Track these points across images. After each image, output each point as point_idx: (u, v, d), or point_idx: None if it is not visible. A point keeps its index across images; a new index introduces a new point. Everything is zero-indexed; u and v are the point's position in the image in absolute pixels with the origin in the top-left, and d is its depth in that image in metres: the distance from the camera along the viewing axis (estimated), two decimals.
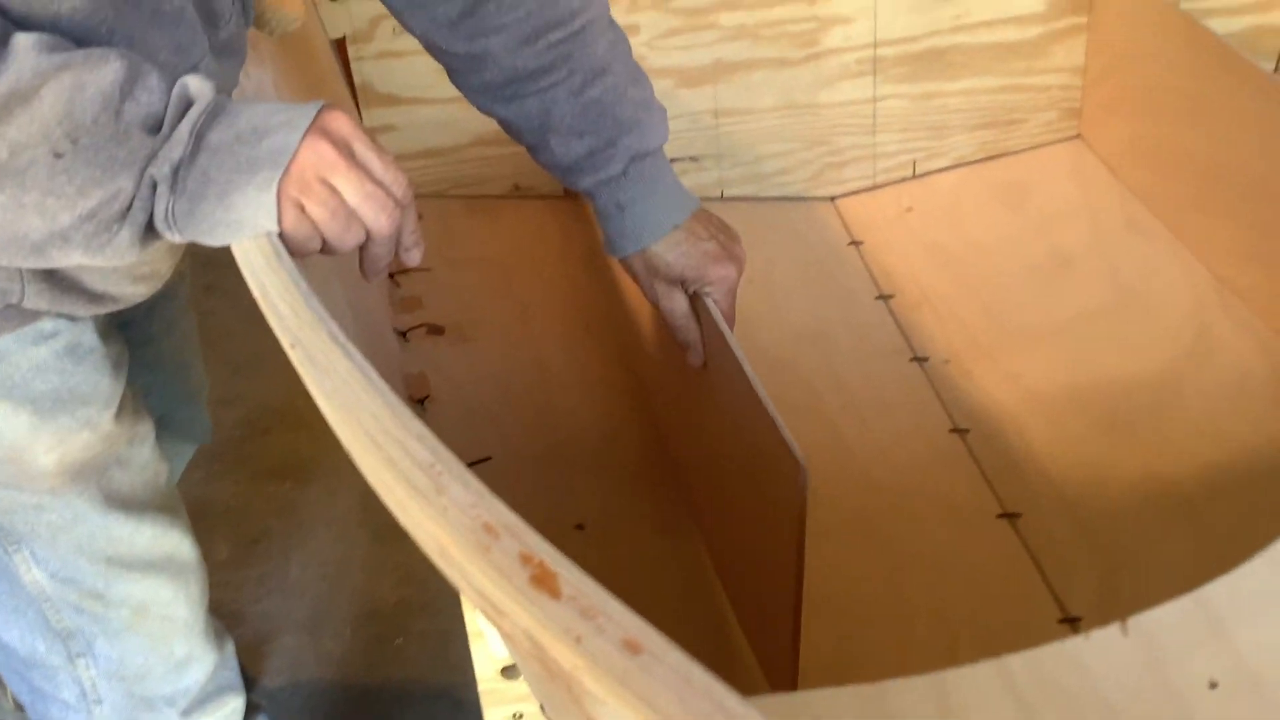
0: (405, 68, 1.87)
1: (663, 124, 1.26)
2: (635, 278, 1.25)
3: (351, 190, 0.81)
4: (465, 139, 1.94)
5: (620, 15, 1.84)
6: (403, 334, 1.64)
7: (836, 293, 1.78)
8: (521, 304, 1.71)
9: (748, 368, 1.06)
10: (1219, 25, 1.80)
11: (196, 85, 0.80)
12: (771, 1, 1.88)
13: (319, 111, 0.82)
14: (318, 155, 0.80)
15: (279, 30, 1.26)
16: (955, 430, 1.50)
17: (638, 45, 1.88)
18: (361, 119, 1.88)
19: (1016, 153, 2.00)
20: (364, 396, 0.66)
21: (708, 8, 1.88)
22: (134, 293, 1.08)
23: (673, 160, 1.95)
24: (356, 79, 1.86)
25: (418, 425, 0.63)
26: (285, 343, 0.72)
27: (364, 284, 1.53)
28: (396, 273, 1.75)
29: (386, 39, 1.84)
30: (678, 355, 1.25)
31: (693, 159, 1.99)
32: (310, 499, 2.23)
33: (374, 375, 0.67)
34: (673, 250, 1.20)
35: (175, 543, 1.23)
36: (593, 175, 1.22)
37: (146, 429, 1.19)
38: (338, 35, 1.83)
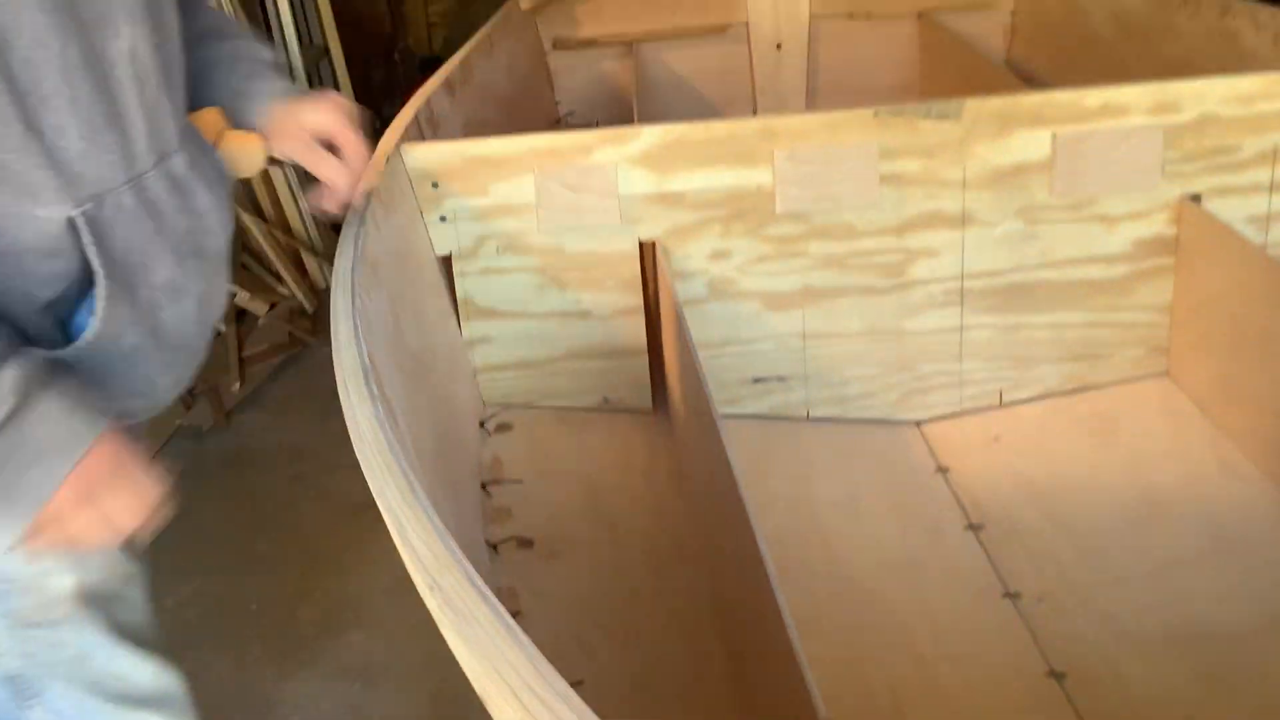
0: (505, 284, 1.94)
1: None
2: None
3: (91, 531, 0.96)
4: (557, 352, 1.99)
5: (714, 241, 1.93)
6: (493, 546, 1.65)
7: (925, 521, 1.77)
8: (610, 521, 1.72)
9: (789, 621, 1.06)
10: None
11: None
12: (860, 233, 1.94)
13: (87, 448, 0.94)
14: (67, 503, 0.94)
15: (246, 172, 1.34)
16: (1052, 674, 1.46)
17: (729, 269, 1.96)
18: (462, 331, 1.94)
19: (1103, 387, 2.01)
20: (507, 649, 0.67)
21: (798, 236, 1.94)
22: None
23: (760, 380, 2.02)
24: (459, 293, 1.93)
25: (562, 684, 0.64)
26: (422, 585, 0.73)
27: (460, 494, 1.55)
28: (489, 483, 1.78)
29: (490, 257, 1.92)
30: (758, 590, 1.24)
31: (780, 379, 2.02)
32: (378, 700, 2.20)
33: (517, 628, 0.68)
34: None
35: (172, 681, 1.31)
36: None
37: (136, 571, 1.28)
38: (444, 253, 1.91)
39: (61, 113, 0.97)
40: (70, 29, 0.96)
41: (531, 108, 3.09)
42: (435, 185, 1.88)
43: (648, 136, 1.88)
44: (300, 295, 3.75)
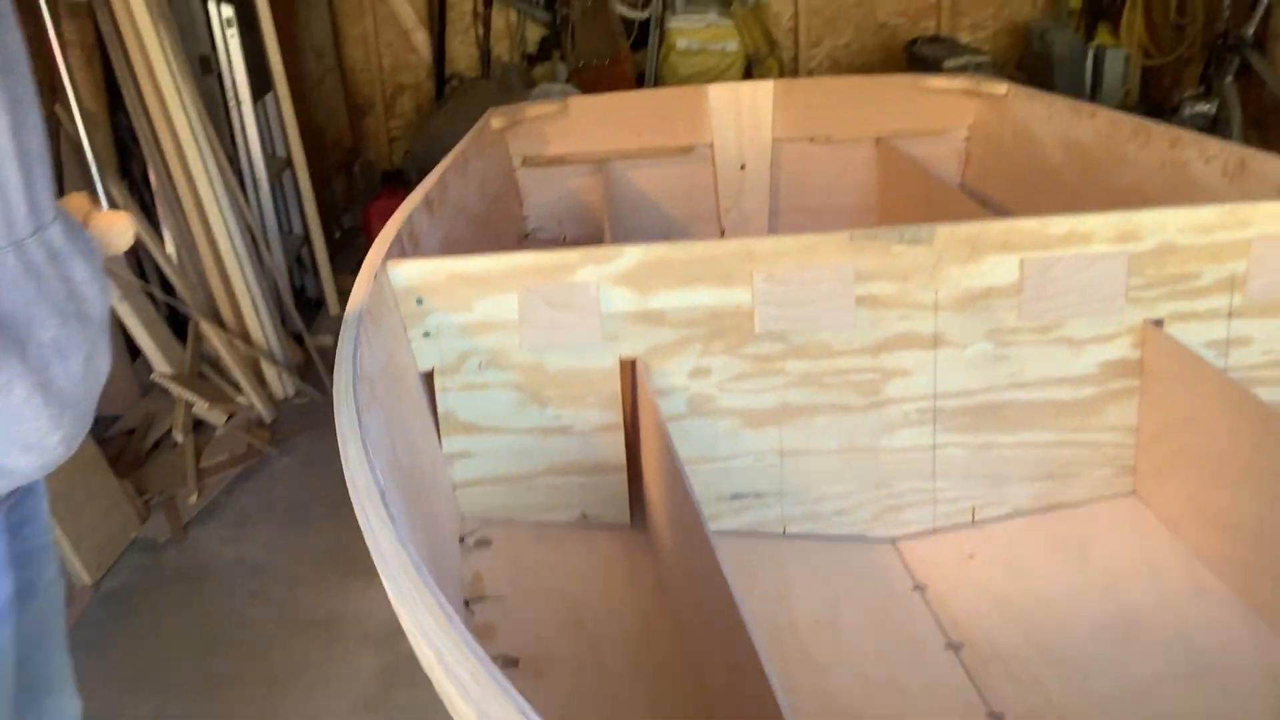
0: (486, 399, 1.95)
1: None
2: None
3: None
4: (537, 467, 1.99)
5: (694, 359, 1.96)
6: None
7: (904, 640, 1.78)
8: (593, 639, 1.70)
9: None
10: (1267, 394, 1.90)
11: None
12: (836, 352, 1.98)
13: None
14: None
15: (116, 249, 1.38)
16: None
17: (708, 387, 1.98)
18: (442, 446, 1.94)
19: (1073, 505, 2.05)
20: None
21: (776, 355, 1.98)
22: None
23: (738, 496, 2.03)
24: (440, 408, 1.93)
25: None
26: (469, 715, 0.72)
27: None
28: (471, 600, 1.76)
29: (472, 372, 1.93)
30: (761, 707, 1.24)
31: (757, 495, 2.04)
32: None
33: None
34: None
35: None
36: None
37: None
38: (427, 368, 1.92)
39: None
40: None
41: (502, 223, 3.13)
42: (420, 301, 1.90)
43: (630, 256, 1.91)
44: (259, 405, 3.72)
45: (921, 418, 2.02)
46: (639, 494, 2.01)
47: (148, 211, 3.92)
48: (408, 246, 2.11)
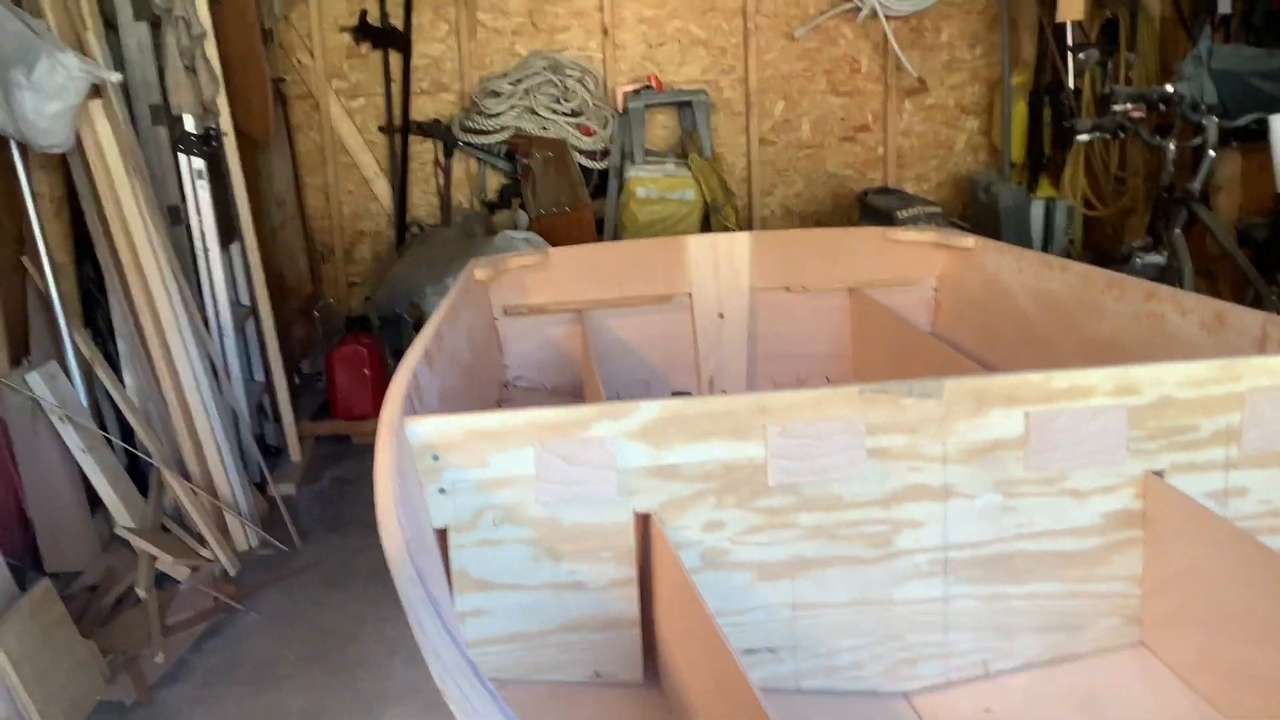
0: (501, 555, 1.93)
1: None
2: None
3: None
4: (549, 625, 1.96)
5: (708, 512, 1.96)
6: None
7: None
8: None
9: None
10: (1266, 544, 1.94)
11: None
12: (848, 504, 1.99)
13: None
14: None
15: None
16: None
17: (722, 540, 1.98)
18: (455, 603, 1.90)
19: (1083, 657, 2.05)
20: None
21: (789, 507, 1.98)
22: None
23: (751, 651, 2.01)
24: (454, 565, 1.90)
25: None
26: None
27: None
28: None
29: (486, 529, 1.91)
30: None
31: (770, 650, 2.02)
32: None
33: None
34: None
35: None
36: None
37: None
38: (441, 525, 1.90)
39: None
40: None
41: (485, 373, 3.14)
42: (435, 458, 1.89)
43: (646, 411, 1.93)
44: (223, 559, 3.62)
45: (933, 569, 2.03)
46: (651, 650, 1.99)
47: (112, 361, 3.87)
48: (415, 403, 2.11)
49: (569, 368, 3.32)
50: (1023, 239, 5.02)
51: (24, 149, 3.49)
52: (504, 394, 3.27)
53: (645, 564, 1.97)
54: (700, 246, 3.48)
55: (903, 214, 4.87)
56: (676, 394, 3.29)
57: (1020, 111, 5.72)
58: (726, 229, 5.38)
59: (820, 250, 3.53)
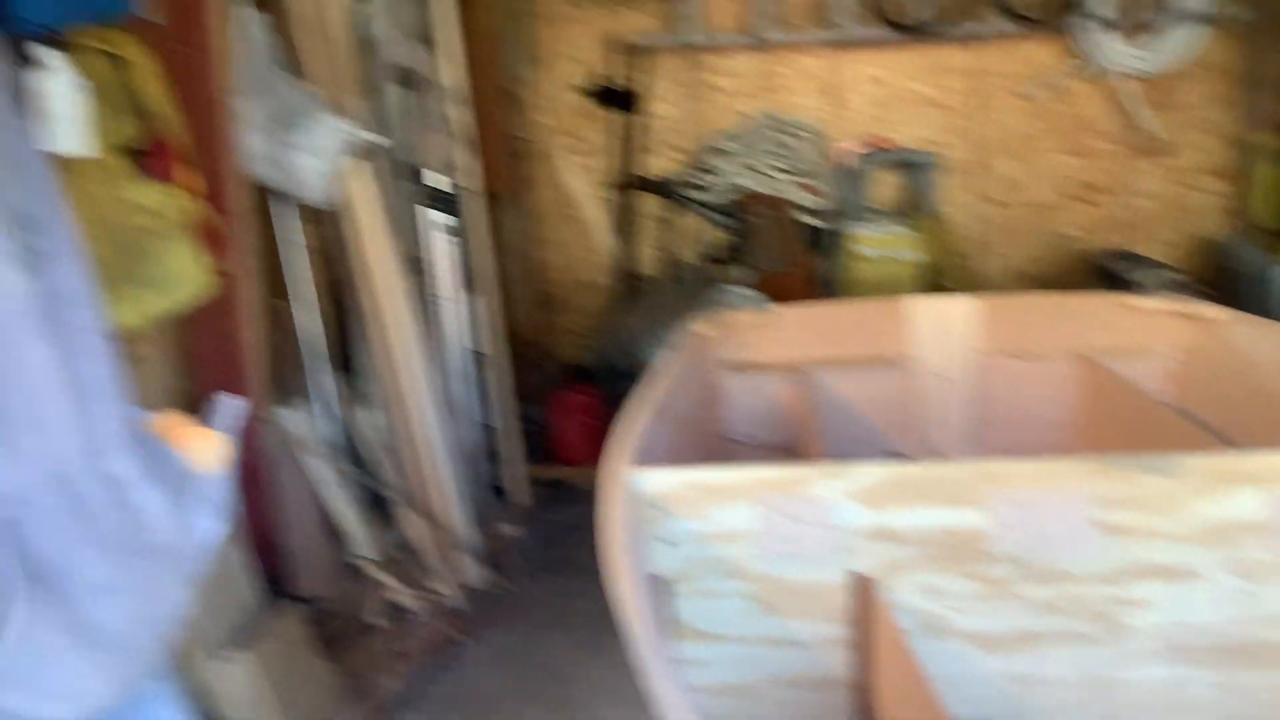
0: (719, 607, 1.97)
1: None
2: None
3: None
4: (764, 678, 1.99)
5: (926, 577, 1.94)
6: None
7: None
8: None
9: None
10: None
11: None
12: (1074, 579, 1.95)
13: None
14: None
15: (208, 468, 1.31)
16: None
17: (940, 607, 1.96)
18: (673, 651, 1.96)
19: None
20: None
21: (1011, 578, 1.95)
22: None
23: None
24: (673, 613, 1.96)
25: None
26: None
27: None
28: None
29: (707, 580, 1.96)
30: None
31: None
32: None
33: None
34: None
35: None
36: None
37: None
38: (661, 573, 1.96)
39: None
40: None
41: (705, 427, 3.20)
42: (658, 508, 1.96)
43: (867, 473, 1.94)
44: (452, 593, 3.80)
45: (1164, 652, 1.95)
46: (865, 711, 1.99)
47: (357, 400, 4.13)
48: (639, 453, 2.18)
49: (788, 424, 3.34)
50: (1270, 309, 4.75)
51: (291, 202, 3.81)
52: (723, 448, 3.33)
53: (861, 625, 1.98)
54: (923, 308, 3.46)
55: (1144, 280, 4.69)
56: (895, 456, 3.27)
57: (1270, 174, 5.43)
58: (951, 290, 5.31)
59: (1049, 315, 3.45)
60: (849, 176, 5.69)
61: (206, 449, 1.34)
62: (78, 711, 1.11)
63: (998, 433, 3.35)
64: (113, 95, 2.54)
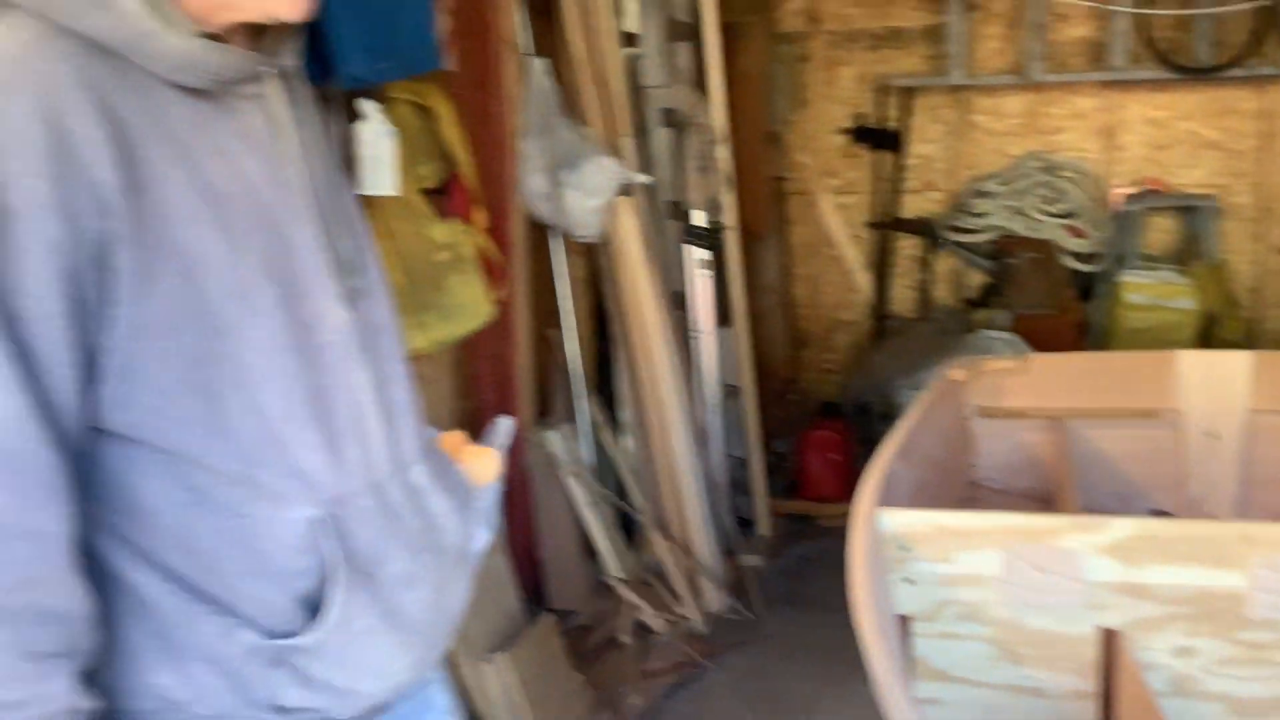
0: (961, 649, 2.00)
1: None
2: None
3: None
4: None
5: (1178, 637, 1.91)
6: None
7: None
8: None
9: None
10: None
11: None
12: None
13: None
14: None
15: (484, 481, 1.46)
16: None
17: (1192, 668, 1.92)
18: (914, 689, 2.00)
19: None
20: None
21: (1273, 644, 1.90)
22: None
23: None
24: (915, 653, 2.01)
25: None
26: None
27: None
28: None
29: (948, 622, 2.00)
30: None
31: None
32: None
33: None
34: None
35: None
36: None
37: None
38: (903, 612, 2.01)
39: (308, 432, 1.17)
40: (306, 373, 1.18)
41: (954, 471, 3.21)
42: (904, 548, 2.01)
43: (1119, 528, 1.94)
44: (695, 617, 3.93)
45: None
46: None
47: (615, 425, 4.34)
48: (888, 494, 2.24)
49: (1041, 474, 3.30)
50: None
51: (563, 236, 4.06)
52: (972, 493, 3.32)
53: (1107, 680, 1.96)
54: (1192, 362, 3.34)
55: None
56: (1155, 513, 3.16)
57: None
58: (1228, 341, 5.05)
59: None
60: (1121, 220, 5.51)
61: (483, 465, 1.51)
62: (386, 688, 1.27)
63: (1269, 495, 3.19)
64: (416, 140, 2.82)
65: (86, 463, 1.08)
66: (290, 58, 1.23)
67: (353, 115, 2.51)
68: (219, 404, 1.11)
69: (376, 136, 2.50)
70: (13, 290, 0.99)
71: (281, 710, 1.18)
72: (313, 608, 1.19)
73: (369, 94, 2.58)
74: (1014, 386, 3.45)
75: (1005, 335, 5.22)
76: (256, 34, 1.18)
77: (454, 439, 1.54)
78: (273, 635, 1.16)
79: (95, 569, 1.10)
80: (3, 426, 0.99)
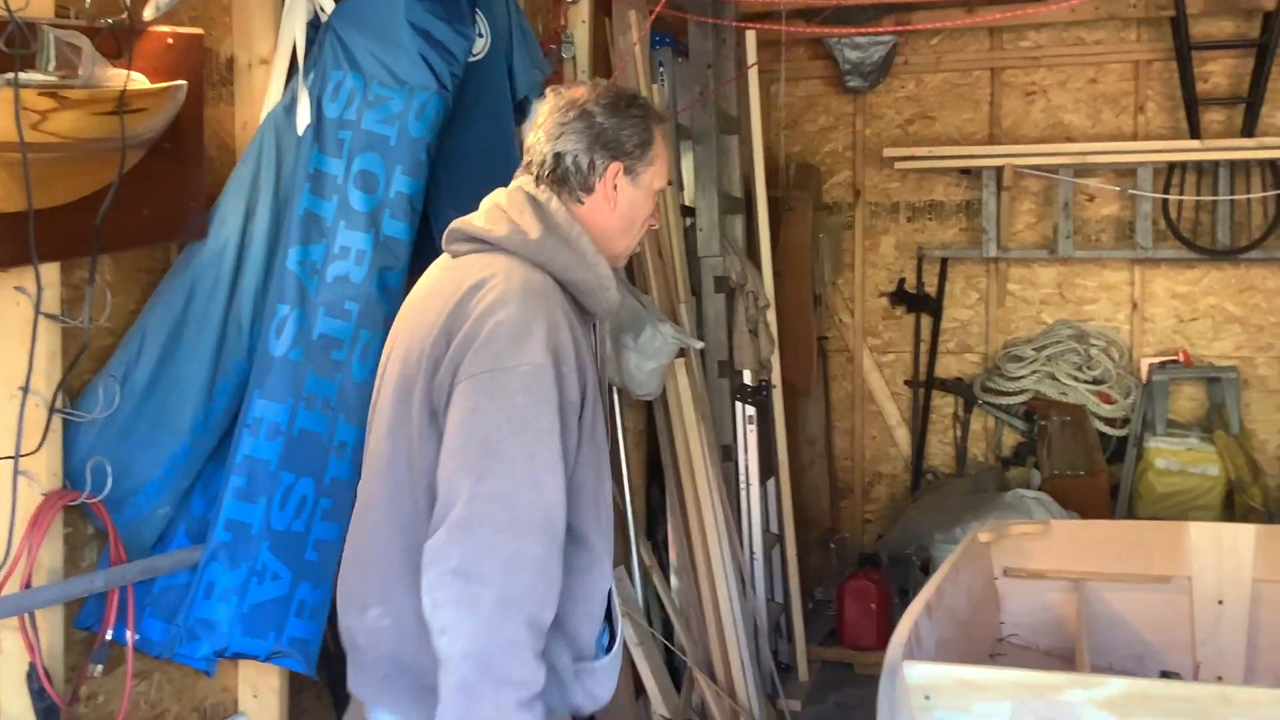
0: None
1: None
2: None
3: None
4: None
5: None
6: None
7: None
8: None
9: None
10: None
11: None
12: None
13: None
14: None
15: None
16: None
17: None
18: None
19: None
20: None
21: None
22: None
23: None
24: None
25: None
26: None
27: None
28: None
29: None
30: None
31: None
32: None
33: None
34: None
35: None
36: None
37: None
38: None
39: (606, 518, 1.86)
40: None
41: (980, 628, 3.47)
42: (927, 698, 2.29)
43: (1115, 686, 2.21)
44: None
45: None
46: None
47: (663, 569, 4.63)
48: (915, 647, 2.53)
49: (1062, 632, 3.55)
50: None
51: (622, 394, 4.42)
52: (997, 649, 3.56)
53: None
54: (1203, 533, 3.61)
55: None
56: (1165, 674, 3.40)
57: None
58: (1252, 508, 5.28)
59: None
60: (1149, 388, 5.80)
61: None
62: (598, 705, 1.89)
63: (1275, 659, 3.42)
64: None
65: None
66: None
67: None
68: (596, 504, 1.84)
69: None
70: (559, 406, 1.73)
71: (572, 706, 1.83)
72: (601, 645, 1.86)
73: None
74: (1038, 549, 3.72)
75: (1037, 494, 5.48)
76: None
77: None
78: (579, 659, 1.80)
79: None
80: (556, 505, 1.68)
